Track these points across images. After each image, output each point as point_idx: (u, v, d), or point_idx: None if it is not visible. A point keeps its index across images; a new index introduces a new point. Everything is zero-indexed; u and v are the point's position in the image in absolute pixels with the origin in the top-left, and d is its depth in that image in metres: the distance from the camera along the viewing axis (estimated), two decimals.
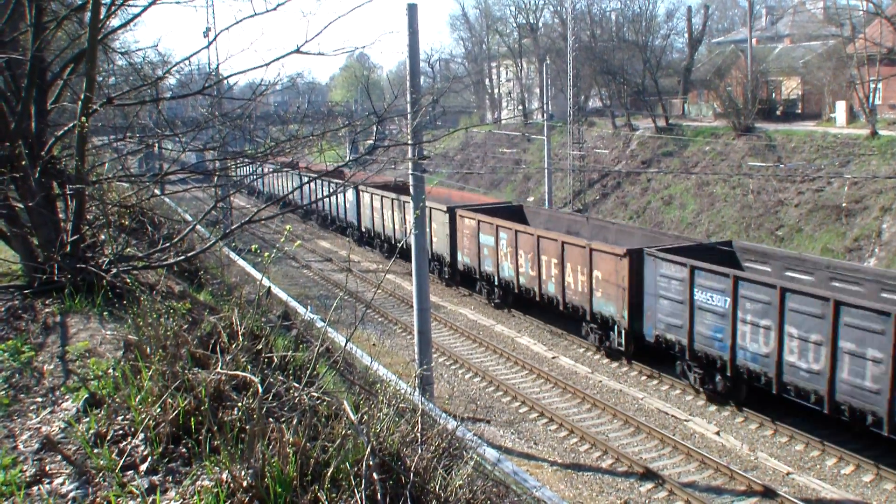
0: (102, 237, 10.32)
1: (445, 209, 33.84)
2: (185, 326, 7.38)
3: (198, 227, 11.93)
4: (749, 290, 19.32)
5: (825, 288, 19.63)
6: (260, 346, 7.06)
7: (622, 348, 24.29)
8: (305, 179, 43.29)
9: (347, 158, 12.25)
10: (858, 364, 16.83)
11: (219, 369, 6.12)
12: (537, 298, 28.09)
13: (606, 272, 24.16)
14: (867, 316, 16.64)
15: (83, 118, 8.39)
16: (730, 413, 20.69)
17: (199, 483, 5.23)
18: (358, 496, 4.95)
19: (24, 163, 8.79)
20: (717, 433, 19.61)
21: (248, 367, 6.35)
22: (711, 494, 16.81)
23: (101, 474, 5.40)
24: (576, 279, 25.70)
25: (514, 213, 33.76)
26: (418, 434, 6.11)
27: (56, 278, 8.93)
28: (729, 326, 19.85)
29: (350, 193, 44.09)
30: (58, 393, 6.77)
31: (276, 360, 7.01)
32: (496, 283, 30.75)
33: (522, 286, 28.90)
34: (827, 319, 17.33)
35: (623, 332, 24.05)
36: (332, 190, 44.24)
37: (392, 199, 38.64)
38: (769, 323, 18.81)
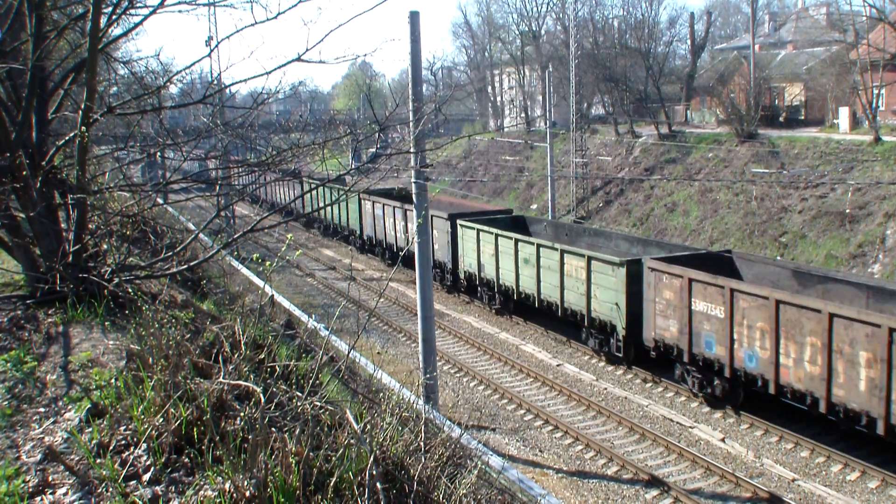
0: (104, 247, 10.33)
1: (622, 263, 23.94)
2: (188, 336, 7.38)
3: (200, 236, 11.93)
4: None
5: None
6: (263, 356, 7.05)
7: None
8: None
9: (350, 167, 12.26)
10: None
11: (221, 379, 6.11)
12: (822, 409, 18.02)
13: None
14: None
15: (84, 128, 8.40)
16: (735, 420, 20.60)
17: (201, 493, 5.21)
18: None
19: (25, 173, 8.80)
20: (723, 440, 19.52)
21: (251, 376, 6.35)
22: (717, 501, 16.74)
23: (103, 485, 5.38)
24: None
25: (717, 263, 23.77)
26: (422, 443, 6.09)
27: (58, 288, 8.93)
28: None
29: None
30: (60, 403, 6.75)
31: (278, 369, 7.00)
32: (724, 374, 20.73)
33: (786, 385, 18.84)
34: None
35: None
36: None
37: (493, 233, 30.92)
38: None
